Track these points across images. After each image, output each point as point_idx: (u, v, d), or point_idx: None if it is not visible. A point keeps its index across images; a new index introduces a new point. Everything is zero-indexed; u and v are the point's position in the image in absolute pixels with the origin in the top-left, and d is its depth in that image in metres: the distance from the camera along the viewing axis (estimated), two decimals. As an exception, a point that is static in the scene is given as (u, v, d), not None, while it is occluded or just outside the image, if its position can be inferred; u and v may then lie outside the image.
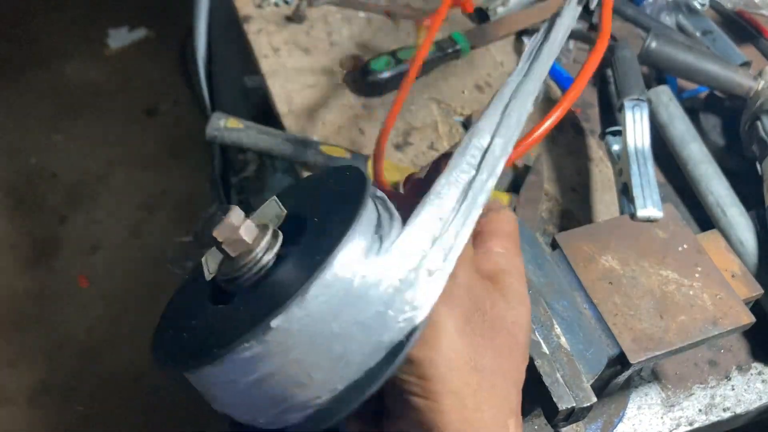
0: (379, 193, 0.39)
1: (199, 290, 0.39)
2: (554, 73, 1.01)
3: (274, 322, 0.32)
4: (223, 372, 0.34)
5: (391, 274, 0.34)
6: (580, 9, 0.51)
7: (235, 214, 0.35)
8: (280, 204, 0.39)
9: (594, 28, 1.06)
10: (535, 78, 0.45)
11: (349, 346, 0.33)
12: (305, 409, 0.34)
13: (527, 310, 0.39)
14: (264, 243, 0.36)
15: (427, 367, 0.35)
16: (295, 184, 0.48)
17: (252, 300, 0.35)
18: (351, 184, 0.38)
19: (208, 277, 0.38)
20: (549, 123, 0.46)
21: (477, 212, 0.37)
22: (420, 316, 0.34)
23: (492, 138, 0.40)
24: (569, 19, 0.51)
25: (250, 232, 0.36)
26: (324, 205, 0.38)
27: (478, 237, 0.42)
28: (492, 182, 0.39)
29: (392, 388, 0.37)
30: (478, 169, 0.39)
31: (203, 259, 0.40)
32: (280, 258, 0.36)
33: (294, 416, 0.35)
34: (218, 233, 0.35)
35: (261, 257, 0.36)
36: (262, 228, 0.37)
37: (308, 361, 0.33)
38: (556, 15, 0.52)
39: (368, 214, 0.36)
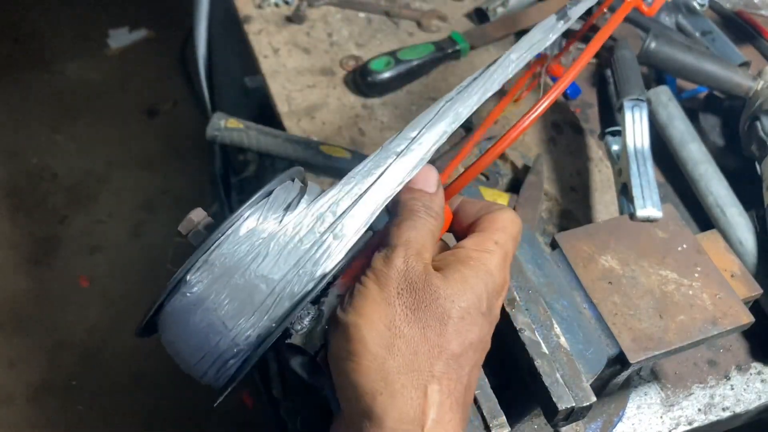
0: (312, 186, 0.45)
1: None
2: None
3: (188, 276, 0.40)
4: (163, 328, 0.42)
5: (298, 235, 0.41)
6: (560, 25, 0.52)
7: (196, 213, 0.44)
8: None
9: (595, 29, 1.05)
10: (477, 91, 0.48)
11: (255, 297, 0.40)
12: (231, 357, 0.40)
13: (469, 291, 0.41)
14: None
15: (351, 330, 0.39)
16: None
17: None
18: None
19: None
20: (542, 108, 0.46)
21: (391, 192, 0.43)
22: (325, 269, 0.41)
23: (420, 131, 0.45)
24: (542, 32, 0.51)
25: (207, 227, 0.44)
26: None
27: (471, 230, 0.45)
28: (411, 168, 0.44)
29: (333, 361, 0.40)
30: (399, 154, 0.44)
31: None
32: None
33: (228, 365, 0.41)
34: (182, 228, 0.44)
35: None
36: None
37: (219, 310, 0.40)
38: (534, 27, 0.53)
39: (280, 192, 0.43)
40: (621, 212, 0.76)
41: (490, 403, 0.50)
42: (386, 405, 0.38)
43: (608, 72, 1.00)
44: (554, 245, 0.62)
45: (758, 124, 0.82)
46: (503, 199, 0.86)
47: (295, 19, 1.07)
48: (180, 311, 0.41)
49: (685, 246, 0.62)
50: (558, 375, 0.50)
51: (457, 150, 0.91)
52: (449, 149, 0.91)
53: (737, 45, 1.02)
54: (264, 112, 1.07)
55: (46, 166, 2.12)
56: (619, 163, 0.79)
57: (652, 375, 0.74)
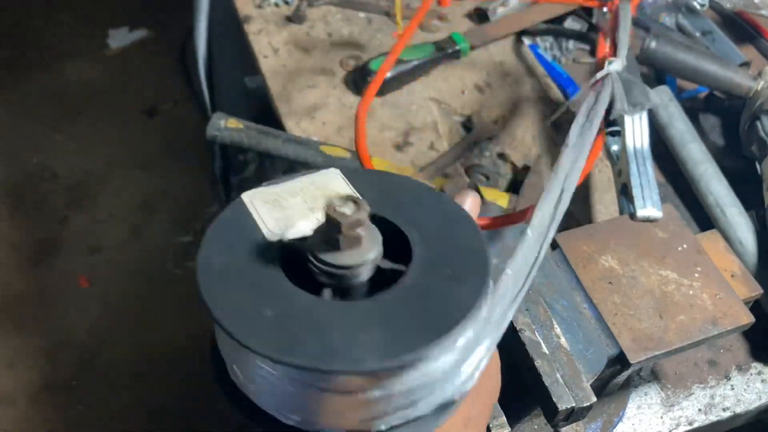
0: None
1: (254, 248, 0.37)
2: (553, 73, 1.01)
3: (405, 356, 0.33)
4: (314, 379, 0.34)
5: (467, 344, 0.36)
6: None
7: (364, 210, 0.34)
8: (356, 193, 0.39)
9: (594, 28, 1.06)
10: (579, 168, 0.49)
11: (423, 395, 0.36)
12: (349, 425, 0.36)
13: (498, 367, 0.43)
14: (375, 251, 0.36)
15: None
16: (356, 172, 0.43)
17: (371, 315, 0.34)
18: (464, 230, 0.39)
19: (269, 236, 0.36)
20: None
21: (518, 303, 0.39)
22: (470, 384, 0.37)
23: (542, 244, 0.42)
24: (603, 105, 0.52)
25: (370, 236, 0.36)
26: (431, 237, 0.38)
27: None
28: (531, 280, 0.40)
29: None
30: (532, 266, 0.41)
31: (248, 200, 0.37)
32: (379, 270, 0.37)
33: (326, 424, 0.36)
34: (345, 223, 0.34)
35: (367, 265, 0.36)
36: (372, 232, 0.37)
37: (392, 397, 0.35)
38: (592, 103, 0.54)
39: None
40: (621, 212, 0.76)
41: (491, 403, 0.50)
42: None
43: (608, 72, 1.00)
44: (554, 245, 0.62)
45: (758, 124, 0.82)
46: (503, 199, 0.86)
47: (295, 19, 1.07)
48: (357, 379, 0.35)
49: (685, 246, 0.62)
50: (558, 375, 0.50)
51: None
52: (449, 149, 0.91)
53: (737, 45, 1.02)
54: (264, 112, 1.07)
55: (46, 166, 2.12)
56: (619, 163, 0.79)
57: (652, 375, 0.74)
